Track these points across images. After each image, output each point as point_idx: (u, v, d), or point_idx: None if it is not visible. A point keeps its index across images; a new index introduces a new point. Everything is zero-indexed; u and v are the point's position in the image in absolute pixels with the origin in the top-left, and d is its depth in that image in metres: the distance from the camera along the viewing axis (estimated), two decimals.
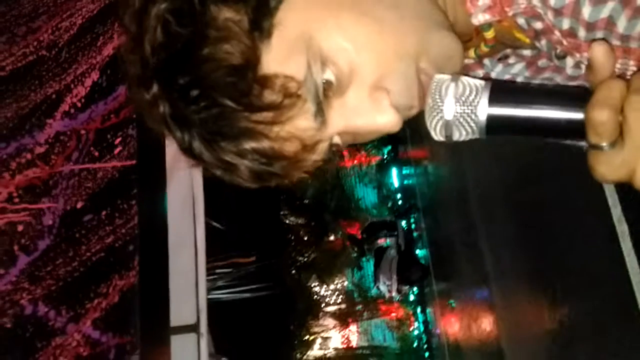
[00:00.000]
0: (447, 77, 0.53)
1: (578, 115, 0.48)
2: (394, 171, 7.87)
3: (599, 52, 0.49)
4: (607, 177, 0.48)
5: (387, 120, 0.57)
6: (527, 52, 0.67)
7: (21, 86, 1.58)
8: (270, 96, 0.53)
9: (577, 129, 0.48)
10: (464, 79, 0.52)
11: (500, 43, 0.64)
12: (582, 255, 2.49)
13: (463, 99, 0.51)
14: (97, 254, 1.46)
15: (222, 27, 0.53)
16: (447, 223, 5.78)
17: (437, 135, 0.54)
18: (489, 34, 0.62)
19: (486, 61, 0.68)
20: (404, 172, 7.76)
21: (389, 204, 7.69)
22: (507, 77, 0.68)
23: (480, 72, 0.69)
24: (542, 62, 0.66)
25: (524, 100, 0.50)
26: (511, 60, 0.68)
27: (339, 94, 0.57)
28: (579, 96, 0.49)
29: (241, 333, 4.27)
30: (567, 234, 2.61)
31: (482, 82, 0.52)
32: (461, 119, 0.52)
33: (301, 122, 0.55)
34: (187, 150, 0.57)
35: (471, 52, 0.66)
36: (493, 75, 0.68)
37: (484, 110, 0.51)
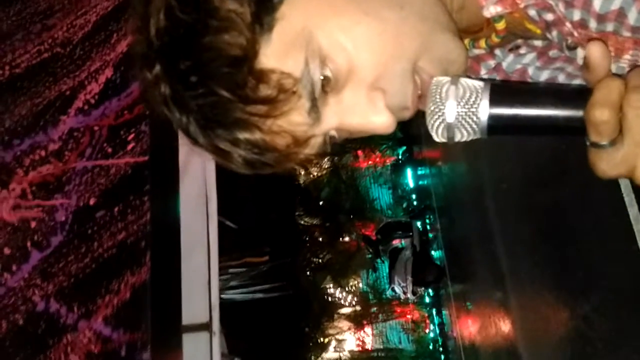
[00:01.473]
0: (446, 79, 0.54)
1: (577, 114, 0.49)
2: (408, 172, 7.85)
3: (596, 52, 0.49)
4: (607, 173, 0.49)
5: (381, 121, 0.58)
6: (538, 43, 0.67)
7: (36, 83, 1.58)
8: (265, 90, 0.54)
9: (577, 127, 0.49)
10: (464, 80, 0.53)
11: (511, 33, 0.64)
12: (599, 255, 2.46)
13: (464, 101, 0.52)
14: (109, 250, 1.45)
15: (224, 18, 0.53)
16: (462, 224, 5.74)
17: (439, 137, 0.55)
18: (500, 25, 0.62)
19: (497, 51, 0.68)
20: (419, 172, 7.73)
21: (404, 205, 7.66)
22: (518, 67, 0.68)
23: (492, 63, 0.69)
24: (553, 53, 0.66)
25: (524, 100, 0.51)
26: (522, 51, 0.67)
27: (336, 91, 0.57)
28: (578, 94, 0.50)
29: (255, 333, 4.27)
30: (584, 234, 2.57)
31: (482, 83, 0.53)
32: (463, 121, 0.52)
33: (295, 118, 0.56)
34: (184, 131, 0.58)
35: (482, 43, 0.66)
36: (504, 65, 0.69)
37: (485, 111, 0.51)
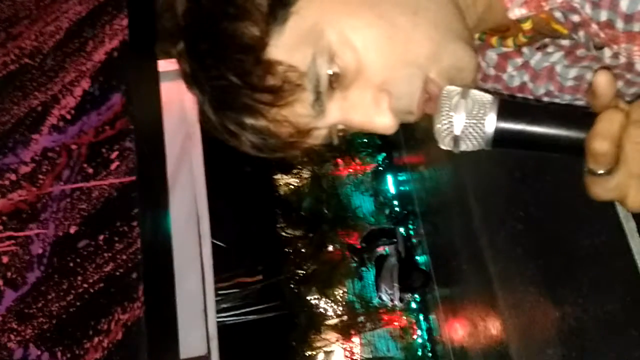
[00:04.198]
0: (456, 90, 0.56)
1: (580, 136, 0.52)
2: (389, 178, 7.87)
3: (602, 80, 0.51)
4: (600, 197, 0.53)
5: (383, 122, 0.60)
6: (565, 42, 0.67)
7: (2, 99, 1.39)
8: (271, 80, 0.56)
9: (578, 148, 0.52)
10: (473, 93, 0.55)
11: (538, 33, 0.65)
12: (589, 255, 2.46)
13: (473, 113, 0.54)
14: (95, 285, 1.26)
15: (241, 6, 0.56)
16: (446, 227, 5.77)
17: (445, 145, 0.57)
18: (527, 25, 0.63)
19: (525, 49, 0.70)
20: (400, 178, 7.75)
21: (387, 211, 7.67)
22: (546, 64, 0.69)
23: (519, 60, 0.70)
24: (580, 52, 0.67)
25: (530, 118, 0.54)
26: (550, 49, 0.68)
27: (344, 87, 0.59)
28: (583, 118, 0.52)
29: (243, 353, 4.11)
30: (572, 234, 2.58)
31: (491, 98, 0.55)
32: (469, 134, 0.55)
33: (298, 109, 0.58)
34: (200, 106, 0.61)
35: (509, 42, 0.67)
36: (532, 63, 0.70)
37: (492, 125, 0.54)
